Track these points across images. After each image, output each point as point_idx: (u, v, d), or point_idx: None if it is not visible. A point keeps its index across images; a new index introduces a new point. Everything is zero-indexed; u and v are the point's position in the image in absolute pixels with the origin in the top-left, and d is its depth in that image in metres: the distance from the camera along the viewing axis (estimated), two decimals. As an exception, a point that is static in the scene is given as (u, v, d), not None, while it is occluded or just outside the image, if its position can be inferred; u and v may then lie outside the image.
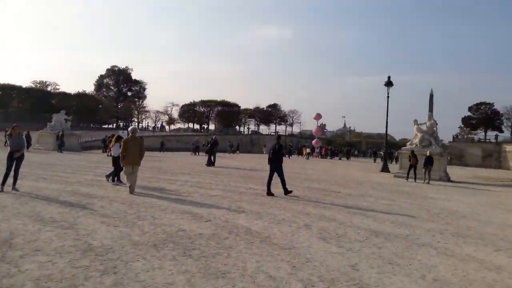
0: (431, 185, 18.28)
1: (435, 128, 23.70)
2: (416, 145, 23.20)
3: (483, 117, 68.46)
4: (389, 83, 29.85)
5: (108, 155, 23.57)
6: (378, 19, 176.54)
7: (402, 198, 12.63)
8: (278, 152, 11.38)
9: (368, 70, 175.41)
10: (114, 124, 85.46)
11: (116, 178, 12.35)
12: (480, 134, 71.64)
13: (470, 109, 70.89)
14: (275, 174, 11.43)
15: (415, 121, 24.21)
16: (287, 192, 11.23)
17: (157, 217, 7.13)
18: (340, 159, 51.06)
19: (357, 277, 4.43)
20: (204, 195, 10.41)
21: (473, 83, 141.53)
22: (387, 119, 30.59)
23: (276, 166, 11.29)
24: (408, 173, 20.64)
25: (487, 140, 66.40)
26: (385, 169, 28.44)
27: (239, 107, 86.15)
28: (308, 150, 50.01)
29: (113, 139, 13.52)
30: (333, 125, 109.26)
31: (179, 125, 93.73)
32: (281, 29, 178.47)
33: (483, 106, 68.79)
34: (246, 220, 7.35)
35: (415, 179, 19.85)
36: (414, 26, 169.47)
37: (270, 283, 4.06)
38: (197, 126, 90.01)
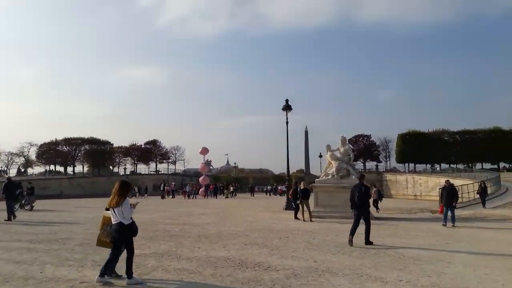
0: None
1: (351, 155, 19.59)
2: (333, 175, 18.65)
3: (362, 148, 70.79)
4: (287, 107, 25.63)
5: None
6: (250, 64, 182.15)
7: (367, 266, 7.09)
8: (365, 194, 9.91)
9: (244, 111, 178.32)
10: None
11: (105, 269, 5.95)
12: (358, 164, 73.94)
13: (349, 141, 72.82)
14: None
15: (328, 147, 19.78)
16: (369, 242, 9.63)
17: None
18: (226, 197, 44.81)
19: None
20: None
21: (345, 119, 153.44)
22: (287, 147, 26.16)
23: (363, 212, 9.92)
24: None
25: (367, 170, 68.38)
26: (289, 206, 23.56)
27: (111, 144, 75.32)
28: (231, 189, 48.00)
29: (117, 191, 5.97)
30: (216, 163, 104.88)
31: (38, 169, 78.21)
32: (153, 70, 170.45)
33: (361, 138, 71.39)
34: None
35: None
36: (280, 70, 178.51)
37: None
38: (61, 169, 76.10)
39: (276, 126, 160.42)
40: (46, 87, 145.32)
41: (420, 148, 65.97)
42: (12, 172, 70.58)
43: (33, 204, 22.04)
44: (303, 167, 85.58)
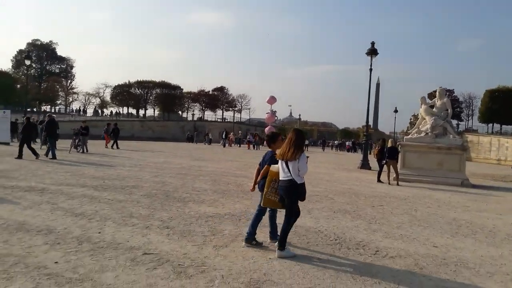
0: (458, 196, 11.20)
1: (449, 110, 16.80)
2: (427, 133, 16.17)
3: (442, 104, 64.72)
4: (372, 51, 22.73)
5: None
6: (316, 12, 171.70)
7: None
8: None
9: (310, 60, 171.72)
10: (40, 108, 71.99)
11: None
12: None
13: (429, 96, 66.82)
14: None
15: (423, 99, 17.15)
16: None
17: None
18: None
19: None
20: None
21: (424, 71, 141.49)
22: (369, 97, 23.70)
23: None
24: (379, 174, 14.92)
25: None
26: (365, 165, 21.62)
27: (182, 89, 76.16)
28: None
29: (294, 141, 4.81)
30: (279, 114, 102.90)
31: (112, 109, 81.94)
32: (222, 16, 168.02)
33: (442, 93, 65.00)
34: None
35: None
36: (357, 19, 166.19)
37: None
38: (133, 111, 79.05)
39: (343, 78, 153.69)
40: (120, 29, 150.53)
41: (510, 107, 58.58)
42: (89, 111, 74.86)
43: (87, 146, 20.65)
44: (370, 122, 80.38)
